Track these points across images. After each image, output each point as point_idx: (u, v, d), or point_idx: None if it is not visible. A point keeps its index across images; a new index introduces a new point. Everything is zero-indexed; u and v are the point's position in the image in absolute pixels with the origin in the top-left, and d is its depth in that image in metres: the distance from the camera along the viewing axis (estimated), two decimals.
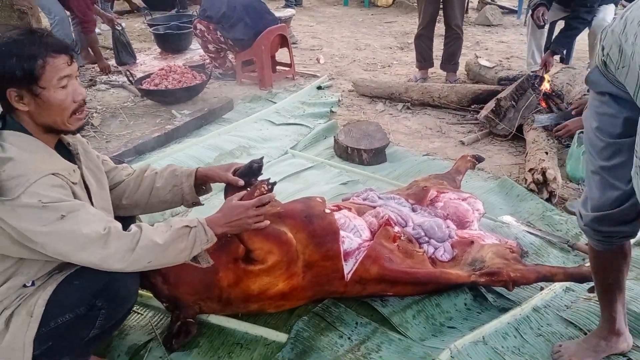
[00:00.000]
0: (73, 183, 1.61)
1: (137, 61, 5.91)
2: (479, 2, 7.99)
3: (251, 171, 1.96)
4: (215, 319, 2.03)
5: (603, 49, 1.48)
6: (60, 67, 1.54)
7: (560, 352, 1.86)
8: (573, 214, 2.70)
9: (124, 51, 5.75)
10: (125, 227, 1.62)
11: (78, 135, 1.77)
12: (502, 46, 6.13)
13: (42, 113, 1.56)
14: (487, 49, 5.97)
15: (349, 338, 1.94)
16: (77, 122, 1.63)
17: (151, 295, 2.08)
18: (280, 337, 1.95)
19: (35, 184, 1.48)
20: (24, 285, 1.63)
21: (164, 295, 1.90)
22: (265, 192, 1.81)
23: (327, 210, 2.01)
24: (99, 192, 1.78)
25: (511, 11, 7.77)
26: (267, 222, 1.82)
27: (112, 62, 5.78)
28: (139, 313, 2.12)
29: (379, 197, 2.33)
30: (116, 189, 1.95)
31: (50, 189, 1.51)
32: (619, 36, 1.39)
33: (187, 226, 1.67)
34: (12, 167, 1.48)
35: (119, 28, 5.68)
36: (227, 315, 2.03)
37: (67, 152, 1.70)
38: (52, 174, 1.53)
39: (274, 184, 1.85)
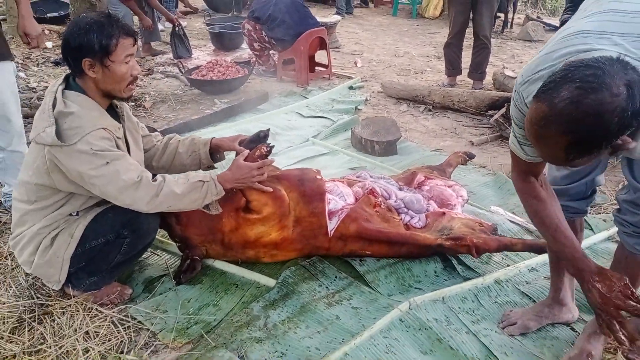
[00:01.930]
0: (117, 138, 2.03)
1: (192, 56, 6.44)
2: (525, 18, 8.12)
3: (258, 139, 2.33)
4: (219, 264, 2.41)
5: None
6: (128, 46, 1.96)
7: (509, 315, 2.11)
8: None
9: (180, 45, 6.29)
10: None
11: (125, 103, 2.19)
12: None
13: (106, 81, 1.96)
14: (521, 62, 6.13)
15: (327, 287, 2.28)
16: (129, 91, 2.05)
17: (169, 242, 2.50)
18: (270, 282, 2.30)
19: (89, 134, 1.88)
20: (70, 214, 2.07)
21: (176, 234, 2.30)
22: (264, 153, 2.18)
23: (319, 177, 2.36)
24: (135, 150, 2.19)
25: (556, 29, 7.84)
26: (270, 189, 2.20)
27: (170, 55, 6.35)
28: (157, 255, 2.53)
29: (371, 176, 2.65)
30: (148, 153, 2.37)
31: (100, 140, 1.91)
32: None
33: (201, 180, 2.07)
34: (72, 120, 1.90)
35: (178, 26, 6.19)
36: (228, 261, 2.40)
37: (114, 113, 2.12)
38: (103, 129, 1.94)
39: (272, 147, 2.22)
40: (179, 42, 6.30)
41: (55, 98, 1.93)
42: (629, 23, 1.33)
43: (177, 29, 6.18)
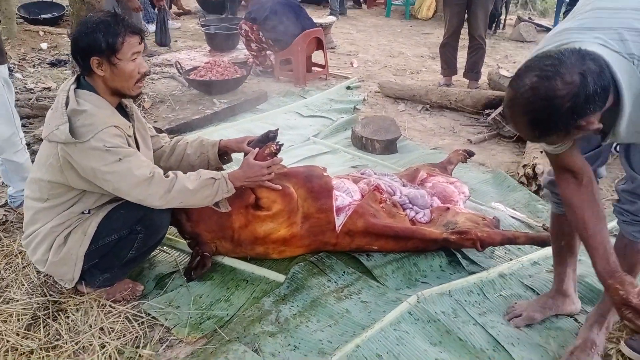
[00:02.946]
0: (128, 136, 2.06)
1: (172, 47, 6.48)
2: (516, 19, 8.23)
3: (267, 139, 2.37)
4: (228, 261, 2.44)
5: None
6: (134, 44, 2.00)
7: (514, 307, 2.17)
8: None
9: (161, 32, 6.30)
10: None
11: (133, 103, 2.22)
12: None
13: (114, 79, 2.00)
14: (514, 63, 6.22)
15: (335, 282, 2.32)
16: (138, 89, 2.09)
17: (178, 239, 2.53)
18: (280, 277, 2.34)
19: (101, 132, 1.92)
20: (82, 212, 2.10)
21: (186, 231, 2.33)
22: (274, 151, 2.22)
23: (325, 174, 2.41)
24: (144, 149, 2.23)
25: (547, 29, 7.96)
26: (279, 187, 2.25)
27: (166, 55, 6.36)
28: (166, 252, 2.56)
29: (375, 174, 2.70)
30: (156, 153, 2.41)
31: (113, 137, 1.94)
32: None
33: (212, 178, 2.11)
34: (85, 117, 1.93)
35: (163, 11, 6.18)
36: (238, 258, 2.44)
37: (124, 113, 2.16)
38: (114, 126, 1.97)
39: (282, 145, 2.26)
40: (160, 28, 6.32)
41: (67, 97, 1.97)
42: (607, 18, 1.50)
43: (162, 13, 6.18)
